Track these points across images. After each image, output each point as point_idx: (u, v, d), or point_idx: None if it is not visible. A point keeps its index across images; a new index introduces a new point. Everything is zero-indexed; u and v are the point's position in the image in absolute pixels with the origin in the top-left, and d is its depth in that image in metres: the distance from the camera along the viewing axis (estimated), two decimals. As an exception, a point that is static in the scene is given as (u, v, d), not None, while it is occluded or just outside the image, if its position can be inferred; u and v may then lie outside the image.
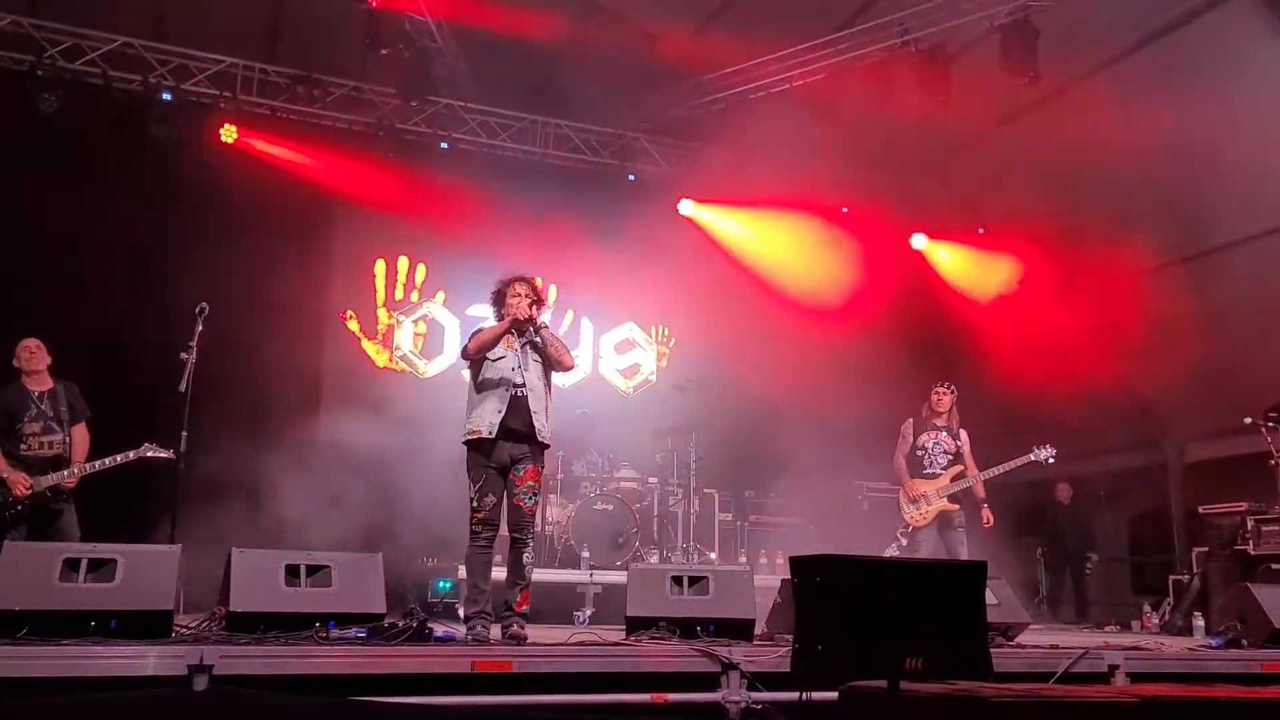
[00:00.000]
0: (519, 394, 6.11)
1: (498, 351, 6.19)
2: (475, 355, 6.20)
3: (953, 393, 8.95)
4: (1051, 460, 8.84)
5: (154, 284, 9.23)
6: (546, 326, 6.33)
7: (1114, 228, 11.05)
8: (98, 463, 7.12)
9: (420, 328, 11.94)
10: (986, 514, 8.74)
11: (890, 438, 9.20)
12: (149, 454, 7.11)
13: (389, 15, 9.72)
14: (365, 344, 11.62)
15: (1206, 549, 10.41)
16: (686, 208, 12.43)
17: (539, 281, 6.45)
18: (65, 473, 7.04)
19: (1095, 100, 10.21)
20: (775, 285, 12.58)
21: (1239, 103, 9.26)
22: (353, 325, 11.57)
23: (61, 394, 7.24)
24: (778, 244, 12.66)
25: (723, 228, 12.69)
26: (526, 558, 6.16)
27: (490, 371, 6.16)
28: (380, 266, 11.79)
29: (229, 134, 10.65)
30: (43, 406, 7.17)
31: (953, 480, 8.70)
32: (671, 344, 13.02)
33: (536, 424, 6.13)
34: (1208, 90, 9.27)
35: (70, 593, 5.02)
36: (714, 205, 12.53)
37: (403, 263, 11.90)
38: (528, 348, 6.27)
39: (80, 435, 7.29)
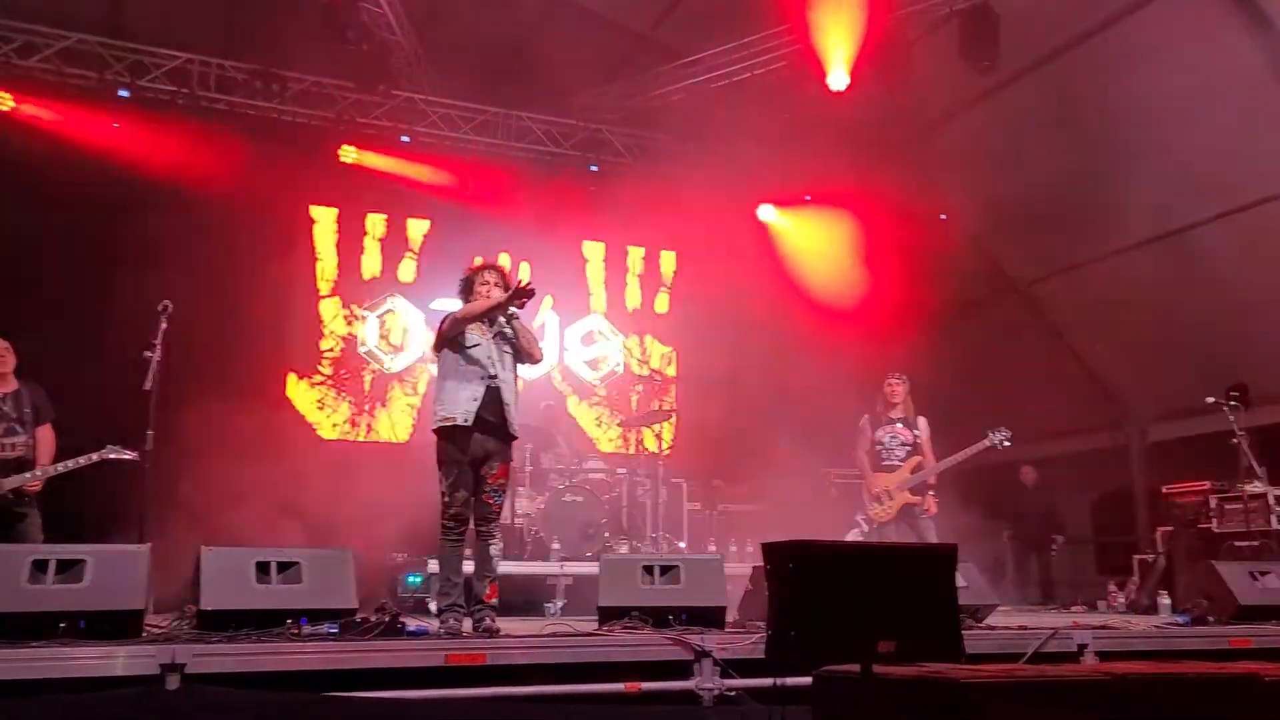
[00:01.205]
0: (493, 385, 6.09)
1: (472, 339, 6.15)
2: (460, 325, 6.13)
3: (905, 383, 9.02)
4: (1007, 444, 8.88)
5: (116, 282, 9.10)
6: (518, 317, 6.30)
7: (1076, 212, 11.17)
8: (61, 465, 7.03)
9: (388, 323, 11.86)
10: (930, 502, 8.80)
11: (857, 424, 9.27)
12: (111, 455, 7.03)
13: (346, 8, 9.63)
14: (306, 408, 11.31)
15: (1170, 528, 10.53)
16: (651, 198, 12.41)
17: (509, 273, 6.45)
18: (29, 475, 6.94)
19: (1055, 83, 10.31)
20: (740, 274, 12.61)
21: (1197, 84, 9.35)
22: (290, 385, 11.27)
23: (25, 395, 7.12)
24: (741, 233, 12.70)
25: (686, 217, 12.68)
26: (494, 550, 6.16)
27: (465, 359, 6.11)
28: (326, 217, 11.62)
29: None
30: (5, 408, 7.04)
31: (912, 472, 8.78)
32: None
33: (509, 416, 6.12)
34: (1165, 72, 9.36)
35: (39, 594, 4.95)
36: (677, 195, 12.53)
37: (373, 223, 11.77)
38: (499, 338, 6.24)
39: (45, 437, 7.17)
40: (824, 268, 12.44)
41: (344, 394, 11.49)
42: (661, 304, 13.08)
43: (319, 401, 11.35)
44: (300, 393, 11.28)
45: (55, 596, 4.98)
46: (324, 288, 11.64)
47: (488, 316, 6.17)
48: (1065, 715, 3.91)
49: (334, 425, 11.38)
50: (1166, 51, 9.39)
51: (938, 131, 11.71)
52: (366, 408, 11.54)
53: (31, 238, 9.30)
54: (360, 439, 11.42)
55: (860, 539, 8.67)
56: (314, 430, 11.27)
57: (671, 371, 12.88)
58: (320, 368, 11.44)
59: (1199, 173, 9.90)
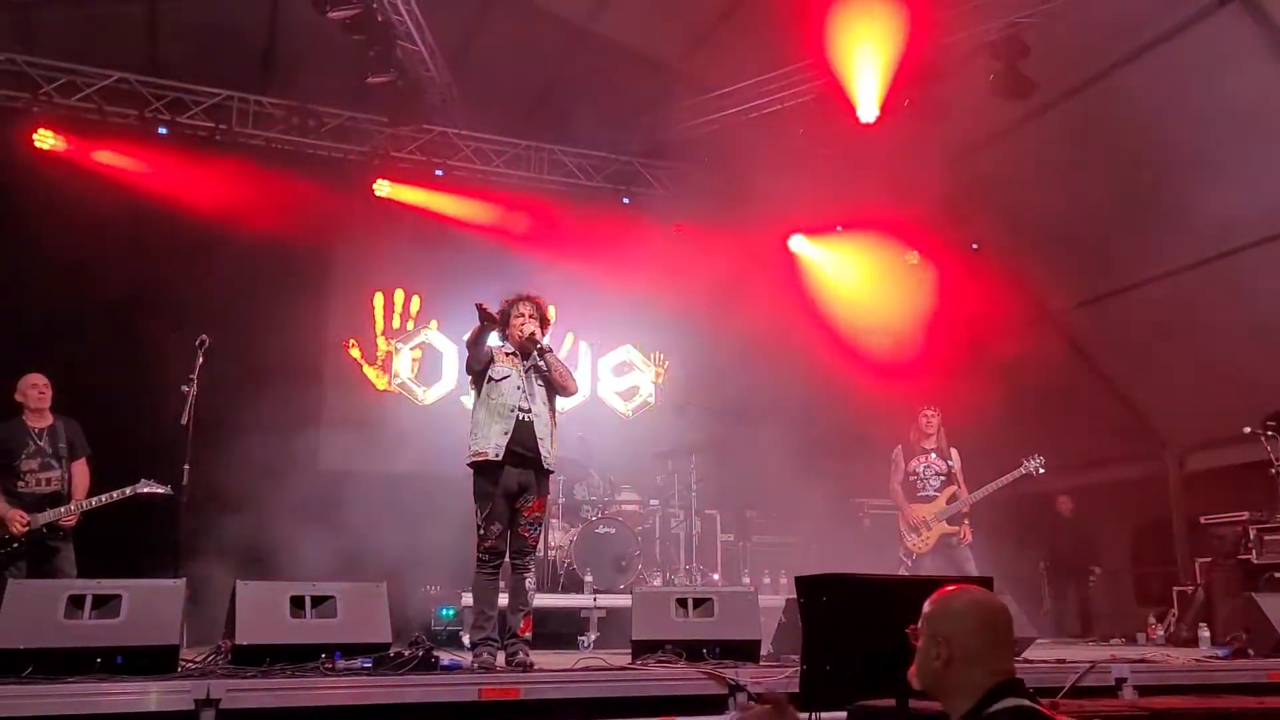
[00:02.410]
0: (525, 419, 6.10)
1: (502, 372, 6.19)
2: (475, 361, 6.21)
3: (938, 414, 9.04)
4: (1042, 470, 8.89)
5: (153, 317, 9.25)
6: (551, 350, 6.32)
7: (1111, 238, 11.11)
8: (94, 500, 7.12)
9: (417, 354, 11.95)
10: (965, 531, 8.77)
11: (890, 455, 9.25)
12: (144, 490, 7.11)
13: (382, 45, 9.76)
14: (366, 369, 11.68)
15: (1209, 559, 10.39)
16: (682, 229, 12.46)
17: (546, 304, 6.50)
18: (63, 510, 7.04)
19: (1086, 114, 10.28)
20: (772, 305, 12.60)
21: (1230, 115, 9.30)
22: (354, 353, 11.64)
23: (61, 430, 7.24)
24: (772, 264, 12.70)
25: (718, 249, 12.70)
26: (529, 584, 6.17)
27: (495, 394, 6.14)
28: (379, 300, 11.85)
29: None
30: (41, 443, 7.16)
31: (948, 502, 8.75)
32: (666, 365, 13.02)
33: (542, 450, 6.13)
34: (1199, 102, 9.33)
35: (75, 630, 5.00)
36: (708, 226, 12.56)
37: (399, 295, 11.97)
38: (532, 372, 6.26)
39: (80, 471, 7.28)
40: (855, 298, 12.41)
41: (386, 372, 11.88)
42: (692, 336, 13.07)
43: (376, 375, 11.80)
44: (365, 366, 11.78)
45: (92, 632, 5.02)
46: (379, 325, 11.86)
47: (475, 345, 6.20)
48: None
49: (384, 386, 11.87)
50: (1200, 79, 9.35)
51: (970, 160, 11.67)
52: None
53: (70, 273, 9.44)
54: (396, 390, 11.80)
55: (905, 573, 8.63)
56: (373, 384, 11.68)
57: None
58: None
59: (1237, 199, 9.80)
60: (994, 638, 2.72)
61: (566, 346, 12.39)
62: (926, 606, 2.83)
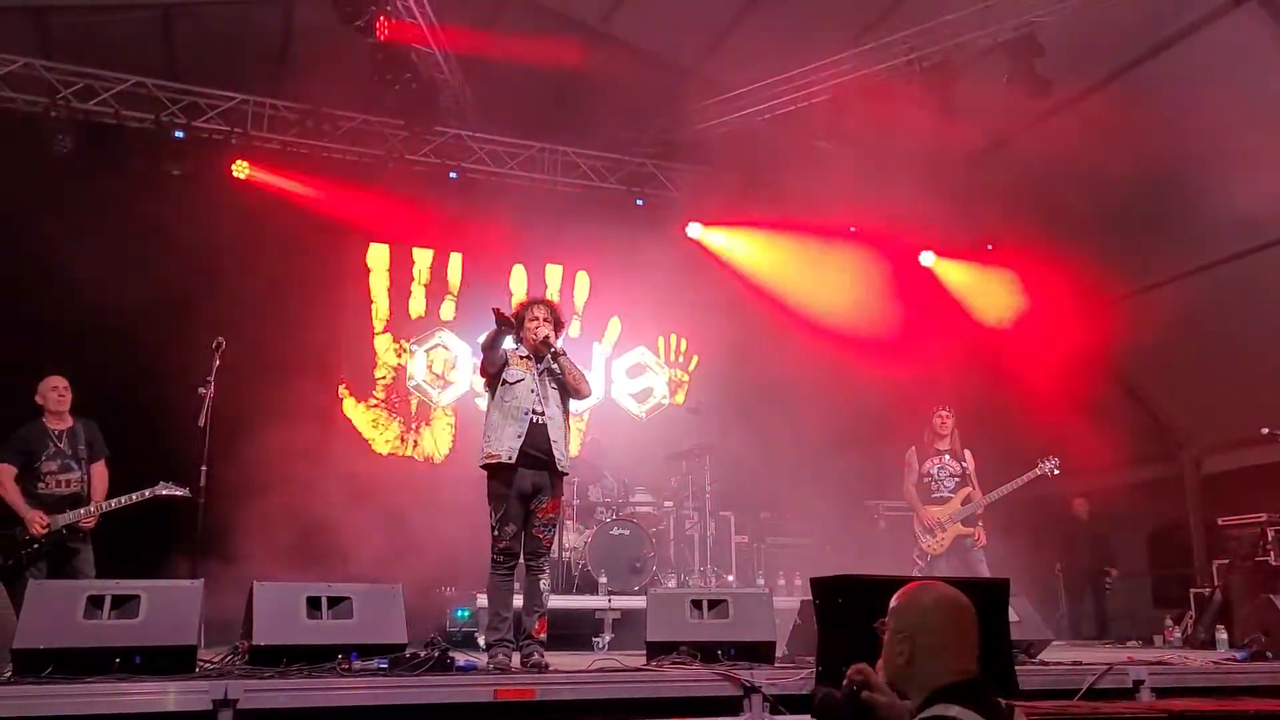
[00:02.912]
0: (538, 421, 6.12)
1: (516, 375, 6.20)
2: (490, 364, 6.24)
3: (953, 415, 9.02)
4: (1056, 472, 8.87)
5: (170, 320, 9.29)
6: (565, 354, 6.34)
7: (1127, 239, 11.06)
8: (114, 501, 7.17)
9: (433, 357, 11.97)
10: (979, 533, 8.76)
11: (904, 456, 9.23)
12: (163, 492, 7.14)
13: (396, 48, 9.79)
14: (363, 426, 11.61)
15: (1227, 561, 10.34)
16: (695, 230, 12.48)
17: (560, 307, 6.52)
18: (83, 511, 7.08)
19: (1102, 113, 10.23)
20: (785, 306, 12.60)
21: (1247, 113, 9.26)
22: (349, 405, 11.58)
23: (80, 432, 7.28)
24: (786, 265, 12.70)
25: (731, 250, 12.73)
26: (543, 585, 6.18)
27: (509, 396, 6.16)
28: (380, 281, 11.84)
29: (241, 169, 10.77)
30: (61, 445, 7.21)
31: (963, 504, 8.73)
32: (694, 366, 13.04)
33: (556, 453, 6.14)
34: (1215, 101, 9.29)
35: (95, 630, 5.02)
36: (722, 227, 12.58)
37: (422, 257, 12.00)
38: (546, 375, 6.27)
39: (99, 473, 7.32)
40: (870, 298, 12.39)
41: (395, 414, 11.78)
42: (705, 338, 13.08)
43: (373, 421, 11.66)
44: (358, 414, 11.62)
45: (111, 632, 5.04)
46: (378, 325, 11.84)
47: (491, 349, 6.24)
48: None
49: (386, 442, 11.68)
50: (1217, 78, 9.32)
51: (987, 160, 11.65)
52: (414, 426, 11.84)
53: (88, 275, 9.50)
54: (408, 454, 11.70)
55: (919, 575, 8.62)
56: (369, 446, 11.55)
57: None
58: (375, 393, 11.73)
59: (1254, 199, 9.76)
60: (957, 635, 2.72)
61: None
62: (894, 601, 2.82)
